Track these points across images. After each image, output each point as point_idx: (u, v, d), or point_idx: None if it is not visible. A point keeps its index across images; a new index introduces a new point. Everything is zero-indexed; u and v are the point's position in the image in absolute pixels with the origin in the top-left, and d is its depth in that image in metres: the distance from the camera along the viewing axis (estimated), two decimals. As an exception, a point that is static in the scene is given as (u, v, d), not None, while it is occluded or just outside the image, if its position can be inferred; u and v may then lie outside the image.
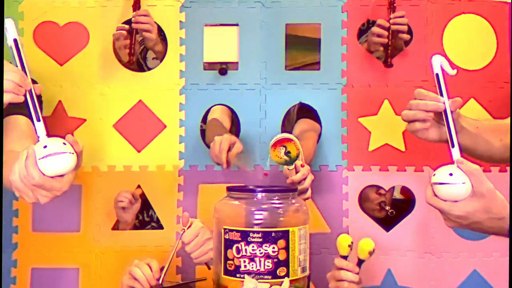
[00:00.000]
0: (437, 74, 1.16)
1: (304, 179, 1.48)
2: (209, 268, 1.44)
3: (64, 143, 1.05)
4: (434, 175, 1.10)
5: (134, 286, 1.36)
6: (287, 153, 1.46)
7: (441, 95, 1.15)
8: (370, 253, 1.35)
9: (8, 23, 1.08)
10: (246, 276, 1.19)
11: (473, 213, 1.06)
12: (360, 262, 1.36)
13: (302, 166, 1.47)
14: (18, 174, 1.03)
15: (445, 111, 1.15)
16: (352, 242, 1.36)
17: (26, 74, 1.09)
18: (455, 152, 1.12)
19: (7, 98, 1.09)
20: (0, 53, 1.11)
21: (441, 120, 1.17)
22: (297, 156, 1.46)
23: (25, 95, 1.09)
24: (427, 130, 1.20)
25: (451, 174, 1.07)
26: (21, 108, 1.27)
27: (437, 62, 1.17)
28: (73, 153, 1.04)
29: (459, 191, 1.06)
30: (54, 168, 1.02)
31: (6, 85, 1.07)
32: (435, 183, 1.09)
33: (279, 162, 1.48)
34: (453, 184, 1.06)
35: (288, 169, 1.48)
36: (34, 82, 1.13)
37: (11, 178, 1.04)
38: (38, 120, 1.07)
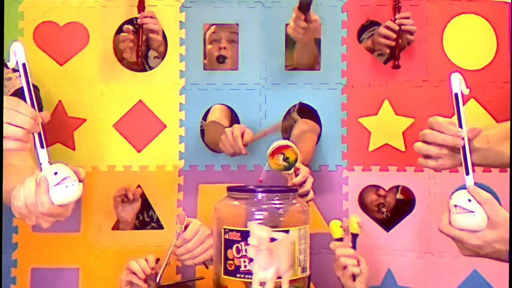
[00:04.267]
0: (456, 94, 1.10)
1: (305, 181, 1.49)
2: (207, 267, 1.44)
3: (74, 171, 1.04)
4: (451, 198, 1.06)
5: (132, 280, 1.37)
6: (285, 159, 1.46)
7: (459, 116, 1.09)
8: (360, 225, 1.37)
9: (17, 47, 1.03)
10: (253, 224, 1.06)
11: (491, 243, 1.02)
12: (354, 238, 1.38)
13: (297, 169, 1.48)
14: (25, 200, 1.00)
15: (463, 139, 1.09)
16: (341, 224, 1.39)
17: (34, 106, 1.02)
18: (469, 180, 1.08)
19: (12, 146, 1.01)
20: (0, 55, 1.11)
21: (455, 149, 1.12)
22: (296, 160, 1.47)
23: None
24: (438, 164, 1.15)
25: (469, 200, 1.04)
26: None
27: (457, 80, 1.10)
28: (80, 182, 1.04)
29: (478, 220, 1.03)
30: (65, 197, 1.01)
31: (14, 132, 0.99)
32: (454, 206, 1.05)
33: (279, 169, 1.48)
34: (472, 212, 1.03)
35: (288, 173, 1.48)
36: (35, 87, 1.10)
37: (15, 204, 1.01)
38: (42, 147, 1.04)
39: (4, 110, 0.99)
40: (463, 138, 1.09)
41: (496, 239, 1.02)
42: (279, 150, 1.46)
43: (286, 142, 1.49)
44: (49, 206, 1.00)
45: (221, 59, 1.69)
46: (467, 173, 1.08)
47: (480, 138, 1.16)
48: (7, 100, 1.00)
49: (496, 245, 1.02)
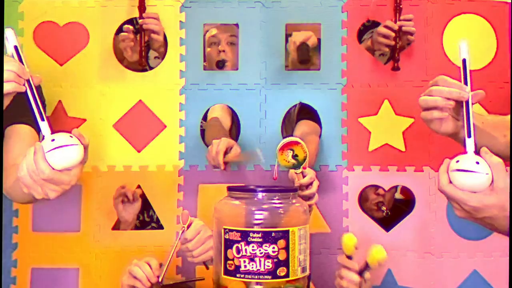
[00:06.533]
0: (464, 60, 1.13)
1: (311, 183, 1.48)
2: (207, 268, 1.43)
3: (71, 136, 1.06)
4: (458, 161, 1.04)
5: (135, 285, 1.36)
6: (294, 156, 1.46)
7: (465, 81, 1.12)
8: (380, 263, 1.32)
9: (8, 32, 1.09)
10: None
11: (489, 207, 1.01)
12: (367, 266, 1.34)
13: (304, 168, 1.48)
14: (27, 169, 1.03)
15: (466, 100, 1.12)
16: (356, 244, 1.35)
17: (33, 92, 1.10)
18: (470, 143, 1.08)
19: (9, 87, 1.08)
20: (0, 54, 1.11)
21: (457, 113, 1.13)
22: (305, 159, 1.47)
23: (26, 93, 1.09)
24: (441, 121, 1.16)
25: (477, 163, 1.03)
26: (25, 116, 1.27)
27: (465, 47, 1.14)
28: (79, 145, 1.06)
29: (482, 181, 1.01)
30: (63, 161, 1.04)
31: (7, 75, 1.07)
32: (459, 170, 1.03)
33: (287, 166, 1.48)
34: (477, 173, 1.02)
35: (296, 173, 1.48)
36: (38, 86, 1.13)
37: (19, 175, 1.05)
38: (42, 119, 1.08)
39: None
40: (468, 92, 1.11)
41: (495, 204, 1.01)
42: (288, 145, 1.46)
43: (296, 138, 1.49)
44: (50, 172, 1.02)
45: (220, 64, 1.69)
46: (469, 136, 1.09)
47: (475, 116, 1.17)
48: None
49: (494, 210, 1.02)
